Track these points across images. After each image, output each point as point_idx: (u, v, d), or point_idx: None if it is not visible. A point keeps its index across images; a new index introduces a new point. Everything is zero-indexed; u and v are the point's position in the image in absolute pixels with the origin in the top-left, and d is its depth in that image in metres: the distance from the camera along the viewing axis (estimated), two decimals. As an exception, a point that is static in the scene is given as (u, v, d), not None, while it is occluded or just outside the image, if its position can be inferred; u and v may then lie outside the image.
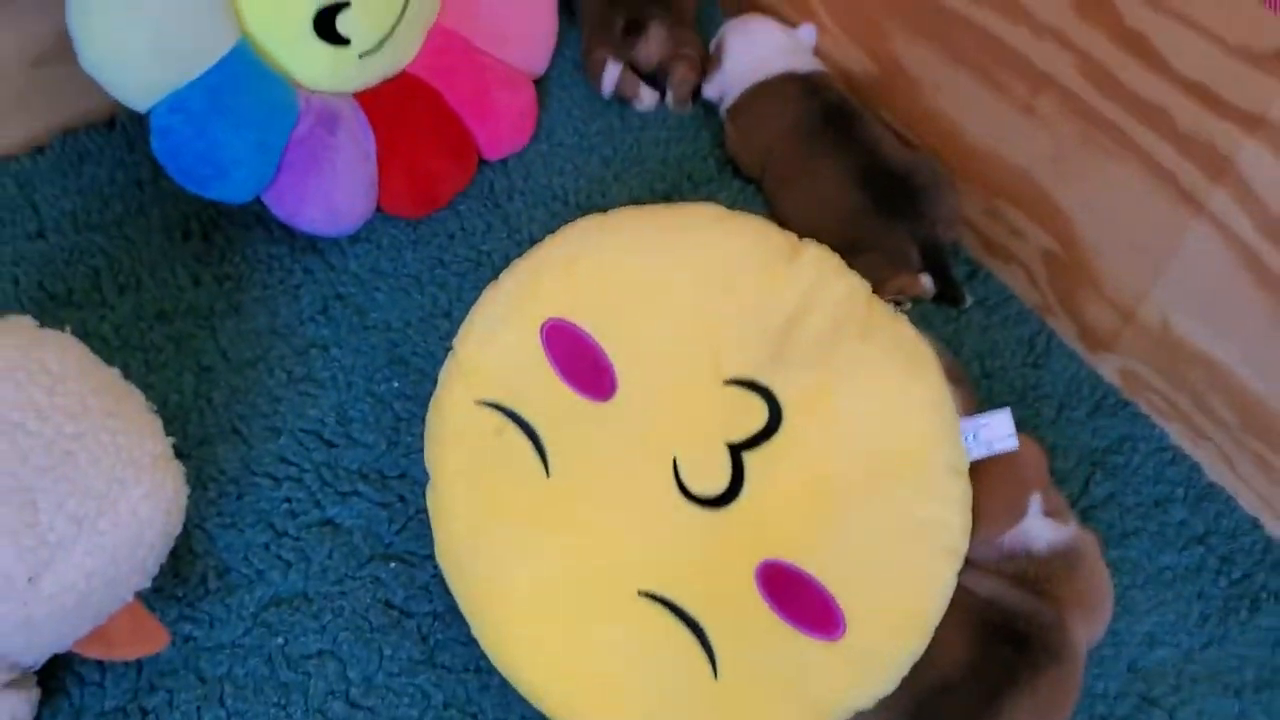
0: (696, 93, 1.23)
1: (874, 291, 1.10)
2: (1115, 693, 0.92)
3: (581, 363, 0.82)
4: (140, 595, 0.79)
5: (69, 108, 1.05)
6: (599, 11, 1.21)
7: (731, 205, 1.14)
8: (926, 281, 1.11)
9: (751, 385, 0.80)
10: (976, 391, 1.04)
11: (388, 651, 0.87)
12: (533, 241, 1.08)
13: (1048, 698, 0.85)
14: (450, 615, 0.87)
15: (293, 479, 0.93)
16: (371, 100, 1.06)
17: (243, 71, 0.96)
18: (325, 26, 1.01)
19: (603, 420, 0.81)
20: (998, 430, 0.84)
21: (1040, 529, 0.86)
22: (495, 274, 0.86)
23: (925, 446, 0.80)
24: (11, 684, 0.77)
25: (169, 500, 0.77)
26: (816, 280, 0.83)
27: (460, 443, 0.84)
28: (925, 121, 1.15)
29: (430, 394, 0.83)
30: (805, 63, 1.18)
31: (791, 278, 0.83)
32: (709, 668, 0.80)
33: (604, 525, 0.81)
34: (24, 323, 0.77)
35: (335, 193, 1.02)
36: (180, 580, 0.88)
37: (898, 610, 0.79)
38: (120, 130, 1.09)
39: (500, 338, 0.83)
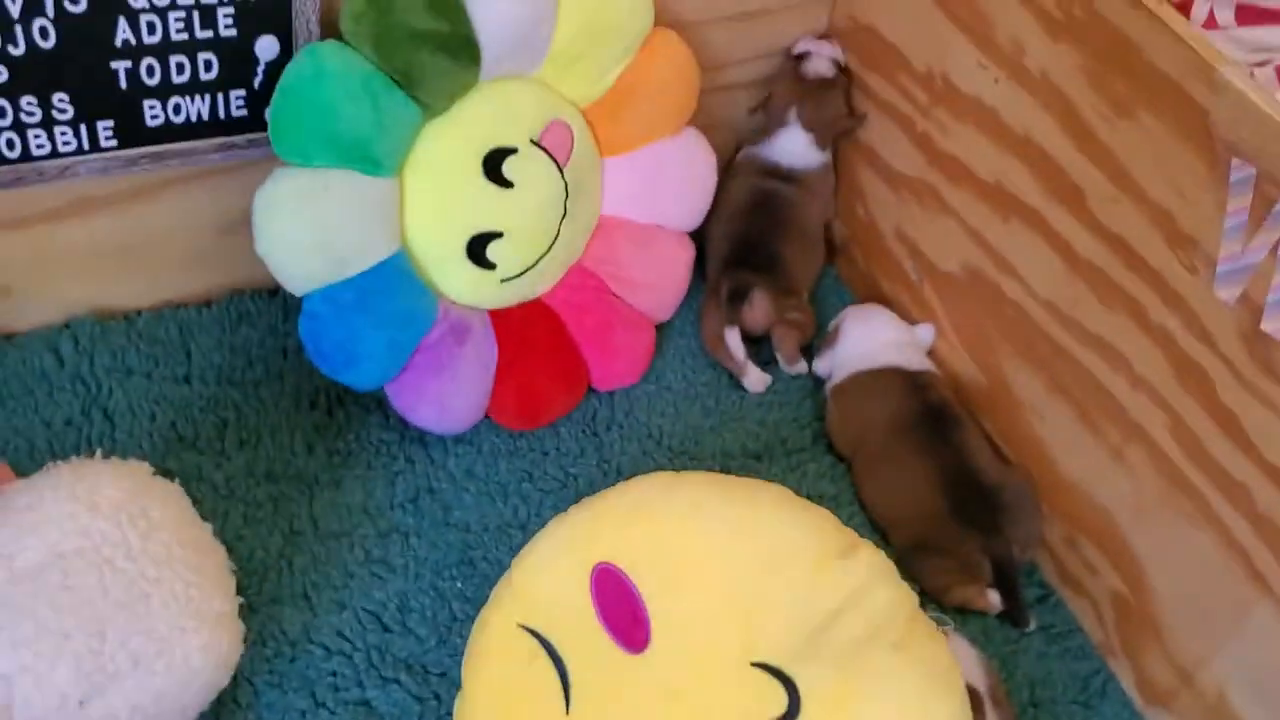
0: (807, 351, 1.29)
1: (939, 598, 1.13)
2: None
3: (622, 610, 0.87)
4: (173, 732, 0.85)
5: (242, 272, 1.17)
6: (713, 278, 1.29)
7: (819, 479, 1.20)
8: (994, 597, 1.12)
9: (778, 673, 0.83)
10: (1019, 718, 1.04)
11: (388, 845, 0.90)
12: (620, 474, 1.15)
13: None
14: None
15: (344, 654, 0.99)
16: (503, 318, 1.15)
17: (394, 279, 1.06)
18: (476, 251, 1.11)
19: (630, 672, 0.85)
20: (1012, 768, 0.84)
21: None
22: (578, 498, 0.91)
23: (935, 769, 0.81)
24: (41, 795, 0.83)
25: (222, 656, 0.84)
26: (865, 584, 0.86)
27: (495, 660, 0.88)
28: (1023, 443, 1.18)
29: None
30: (916, 360, 1.23)
31: (840, 575, 0.86)
32: None
33: (609, 775, 0.84)
34: (140, 468, 0.87)
35: (451, 397, 1.10)
36: (217, 729, 0.93)
37: None
38: (280, 300, 1.20)
39: (554, 569, 0.89)
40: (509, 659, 0.88)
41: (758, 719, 0.82)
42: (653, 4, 1.16)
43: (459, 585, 1.05)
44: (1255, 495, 0.95)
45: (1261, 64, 1.11)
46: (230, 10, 1.02)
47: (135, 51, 1.00)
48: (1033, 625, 1.13)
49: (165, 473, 0.90)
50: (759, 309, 1.24)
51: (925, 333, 1.28)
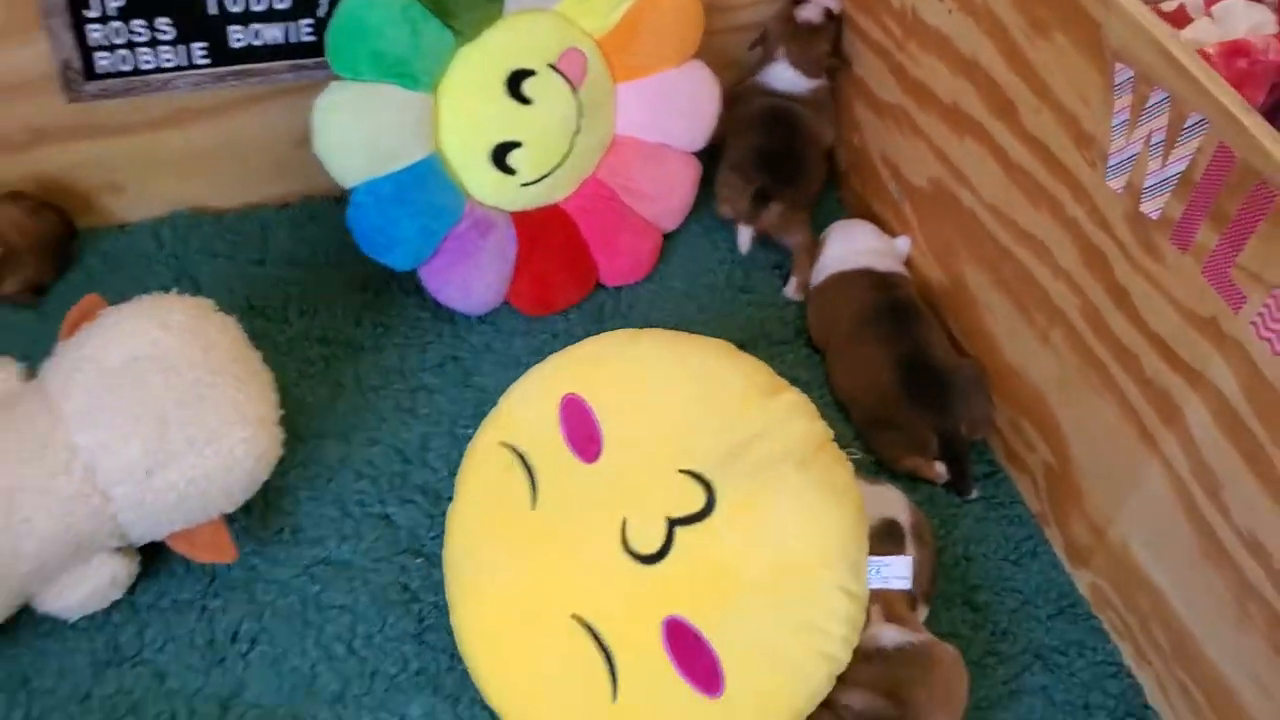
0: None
1: (891, 466, 1.29)
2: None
3: (581, 431, 1.05)
4: (226, 519, 1.07)
5: (313, 180, 1.38)
6: (743, 168, 1.45)
7: (796, 366, 1.37)
8: (940, 468, 1.27)
9: (699, 478, 1.01)
10: (938, 561, 1.19)
11: (390, 620, 1.10)
12: (619, 356, 1.33)
13: None
14: (446, 610, 1.09)
15: (371, 479, 1.20)
16: (523, 219, 1.35)
17: (427, 176, 1.27)
18: (499, 158, 1.31)
19: (583, 477, 1.04)
20: (896, 570, 1.00)
21: (885, 631, 1.01)
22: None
23: (823, 565, 0.97)
24: (120, 550, 1.06)
25: (260, 451, 1.05)
26: (783, 417, 1.03)
27: (479, 470, 1.08)
28: (977, 336, 1.33)
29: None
30: (888, 265, 1.39)
31: (763, 408, 1.03)
32: (610, 690, 0.99)
33: (560, 557, 1.03)
34: (205, 303, 1.09)
35: (473, 282, 1.31)
36: (263, 526, 1.15)
37: (770, 689, 0.97)
38: (344, 206, 1.42)
39: (531, 398, 1.09)
40: (490, 468, 1.08)
41: (680, 511, 1.00)
42: (660, -52, 1.35)
43: (470, 432, 1.24)
44: (1143, 361, 1.09)
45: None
46: (300, -47, 1.25)
47: (222, -17, 1.24)
48: (974, 494, 1.28)
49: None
50: (774, 215, 1.43)
51: (903, 243, 1.43)
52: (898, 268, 1.40)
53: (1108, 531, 1.17)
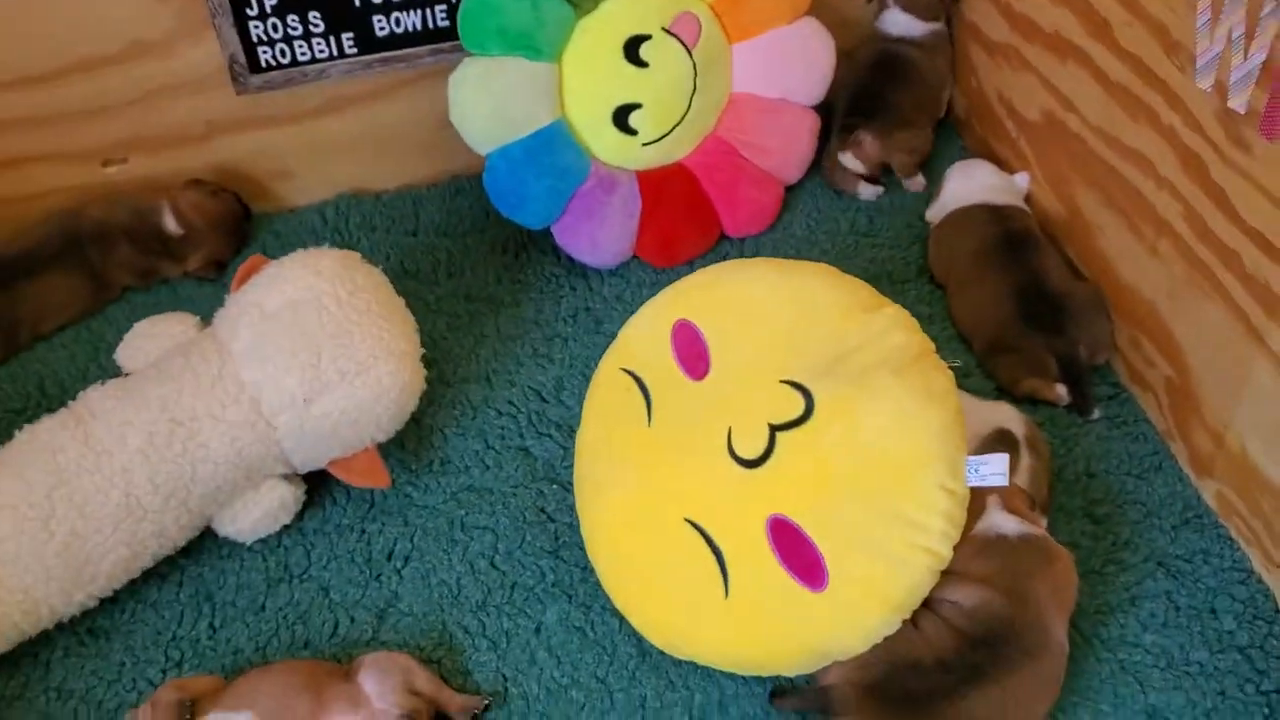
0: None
1: (1011, 389, 1.31)
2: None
3: (691, 351, 1.13)
4: (379, 447, 1.19)
5: (458, 159, 1.51)
6: (835, 125, 1.54)
7: (918, 302, 1.42)
8: (1060, 390, 1.29)
9: (799, 387, 1.07)
10: (1055, 478, 1.21)
11: (529, 538, 1.20)
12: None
13: (1022, 689, 1.01)
14: (579, 528, 1.18)
15: (511, 415, 1.31)
16: (646, 178, 1.44)
17: (555, 140, 1.38)
18: (621, 119, 1.41)
19: (693, 393, 1.12)
20: (994, 468, 1.03)
21: (1005, 520, 1.04)
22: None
23: (922, 462, 1.02)
24: (286, 477, 1.19)
25: (405, 382, 1.17)
26: (884, 329, 1.08)
27: (602, 394, 1.17)
28: (1093, 258, 1.34)
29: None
30: (1005, 199, 1.42)
31: (863, 322, 1.09)
32: (722, 587, 1.06)
33: (672, 466, 1.10)
34: (354, 254, 1.22)
35: (600, 236, 1.41)
36: (416, 459, 1.27)
37: (872, 582, 1.02)
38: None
39: (647, 327, 1.17)
40: (611, 391, 1.16)
41: (781, 418, 1.06)
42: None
43: (601, 372, 1.34)
44: (1244, 257, 1.09)
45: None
46: (433, -55, 1.38)
47: (364, -23, 1.38)
48: (1096, 415, 1.29)
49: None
50: (866, 145, 1.49)
51: (1021, 179, 1.46)
52: (1016, 202, 1.42)
53: (1226, 436, 1.17)
